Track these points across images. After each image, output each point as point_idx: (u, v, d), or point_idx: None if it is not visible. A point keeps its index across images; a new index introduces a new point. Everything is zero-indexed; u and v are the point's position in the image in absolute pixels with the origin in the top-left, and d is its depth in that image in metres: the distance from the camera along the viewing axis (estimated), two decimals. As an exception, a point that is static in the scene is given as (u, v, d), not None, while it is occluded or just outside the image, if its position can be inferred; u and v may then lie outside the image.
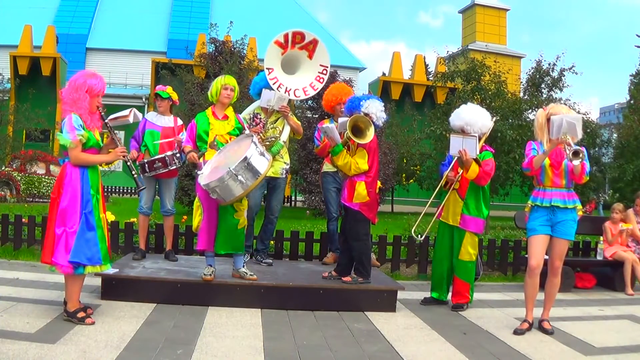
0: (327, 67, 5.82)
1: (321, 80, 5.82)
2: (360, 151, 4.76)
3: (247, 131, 4.77)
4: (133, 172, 4.10)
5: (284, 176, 5.64)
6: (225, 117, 4.81)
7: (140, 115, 4.66)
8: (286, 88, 5.60)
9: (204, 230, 4.53)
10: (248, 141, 4.38)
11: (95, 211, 3.81)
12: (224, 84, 4.78)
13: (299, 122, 5.74)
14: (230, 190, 4.19)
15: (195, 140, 4.75)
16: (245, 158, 4.14)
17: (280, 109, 5.43)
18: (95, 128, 3.91)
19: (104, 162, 3.94)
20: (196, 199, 4.59)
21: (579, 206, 4.27)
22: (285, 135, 5.55)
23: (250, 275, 4.68)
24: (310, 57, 5.74)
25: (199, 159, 4.69)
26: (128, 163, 4.08)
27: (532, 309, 4.36)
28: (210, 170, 4.39)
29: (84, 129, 3.77)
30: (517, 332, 4.23)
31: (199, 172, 4.48)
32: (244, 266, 4.76)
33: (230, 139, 4.71)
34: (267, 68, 5.56)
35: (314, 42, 5.70)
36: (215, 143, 4.65)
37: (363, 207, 4.76)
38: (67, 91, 3.80)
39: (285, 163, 5.63)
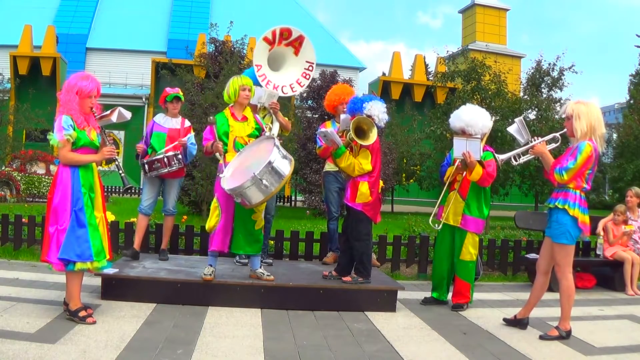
0: (313, 63, 5.83)
1: (307, 76, 5.84)
2: (364, 152, 4.76)
3: (267, 132, 4.75)
4: (120, 171, 4.14)
5: None
6: (245, 119, 4.80)
7: (127, 114, 4.65)
8: (274, 85, 5.62)
9: (220, 231, 4.53)
10: (270, 144, 4.38)
11: (86, 209, 3.84)
12: (241, 84, 4.76)
13: (287, 119, 5.75)
14: (254, 194, 4.21)
15: (214, 140, 4.71)
16: (270, 162, 4.16)
17: (270, 105, 5.45)
18: (91, 128, 3.96)
19: (92, 161, 3.96)
20: (214, 199, 4.59)
21: (564, 206, 4.02)
22: (274, 132, 5.57)
23: (268, 276, 4.69)
24: (296, 53, 5.76)
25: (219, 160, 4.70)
26: (116, 162, 4.11)
27: (527, 306, 4.38)
28: (232, 173, 4.41)
29: (74, 129, 3.81)
30: (504, 319, 4.51)
31: (220, 175, 4.49)
32: (260, 267, 4.77)
33: (249, 140, 4.70)
34: (256, 65, 5.57)
35: (300, 39, 5.72)
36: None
37: (366, 207, 4.77)
38: (62, 93, 3.90)
39: None
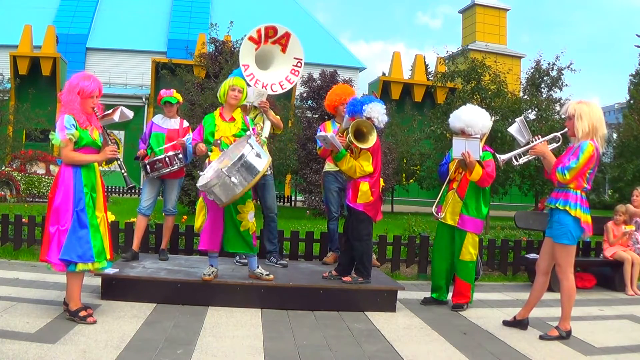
0: (302, 59, 5.83)
1: (296, 73, 5.84)
2: (364, 154, 4.76)
3: (249, 131, 4.76)
4: (122, 171, 4.14)
5: (269, 172, 5.64)
6: (232, 119, 4.80)
7: (129, 113, 4.64)
8: (263, 83, 5.61)
9: (207, 230, 4.53)
10: (244, 142, 4.39)
11: (88, 209, 3.83)
12: (231, 85, 4.77)
13: (278, 117, 5.73)
14: (223, 192, 4.21)
15: (202, 141, 4.74)
16: (239, 159, 4.16)
17: (260, 104, 5.44)
18: (93, 128, 3.95)
19: (94, 161, 3.96)
20: (200, 199, 4.59)
21: (565, 207, 4.01)
22: (266, 131, 5.56)
23: (267, 275, 4.69)
24: (283, 50, 5.75)
25: (204, 160, 4.70)
26: (118, 162, 4.11)
27: (526, 307, 4.39)
28: (211, 173, 4.40)
29: (77, 128, 3.81)
30: (503, 321, 4.50)
31: (200, 174, 4.49)
32: (258, 267, 4.77)
33: (234, 140, 4.70)
34: (242, 65, 5.57)
35: (287, 36, 5.71)
36: (219, 142, 4.64)
37: (367, 207, 4.77)
38: (63, 93, 3.89)
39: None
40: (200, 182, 4.30)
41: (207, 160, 4.71)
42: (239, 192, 4.22)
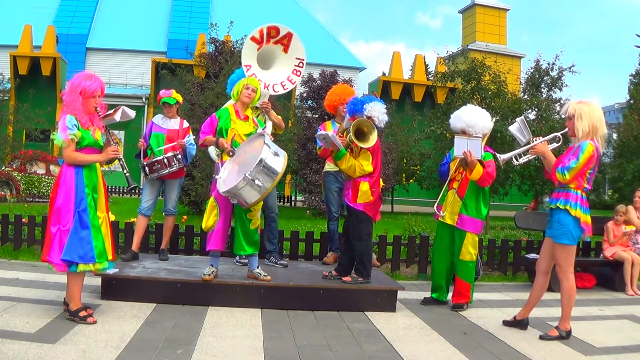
0: (303, 59, 5.81)
1: (298, 73, 5.83)
2: (364, 153, 4.76)
3: (259, 130, 4.75)
4: (124, 171, 4.14)
5: None
6: (246, 118, 4.81)
7: (131, 112, 4.64)
8: (265, 84, 5.61)
9: (219, 231, 4.53)
10: (260, 142, 4.38)
11: (89, 209, 3.83)
12: (245, 83, 4.79)
13: (279, 117, 5.72)
14: (250, 194, 4.22)
15: (215, 134, 4.71)
16: (261, 161, 4.16)
17: (262, 104, 5.44)
18: (95, 128, 3.94)
19: (96, 162, 3.95)
20: (211, 199, 4.58)
21: (566, 207, 4.00)
22: (268, 131, 5.56)
23: (265, 276, 4.69)
24: (285, 51, 5.74)
25: (217, 158, 4.72)
26: (120, 162, 4.11)
27: (526, 307, 4.39)
28: (228, 174, 4.41)
29: (79, 128, 3.80)
30: (503, 321, 4.50)
31: (216, 177, 4.50)
32: (258, 267, 4.77)
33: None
34: (245, 65, 5.56)
35: (289, 36, 5.69)
36: (232, 149, 4.61)
37: (367, 207, 4.78)
38: (65, 93, 3.89)
39: None
40: (223, 189, 4.30)
41: (217, 161, 4.69)
42: (264, 192, 4.25)
